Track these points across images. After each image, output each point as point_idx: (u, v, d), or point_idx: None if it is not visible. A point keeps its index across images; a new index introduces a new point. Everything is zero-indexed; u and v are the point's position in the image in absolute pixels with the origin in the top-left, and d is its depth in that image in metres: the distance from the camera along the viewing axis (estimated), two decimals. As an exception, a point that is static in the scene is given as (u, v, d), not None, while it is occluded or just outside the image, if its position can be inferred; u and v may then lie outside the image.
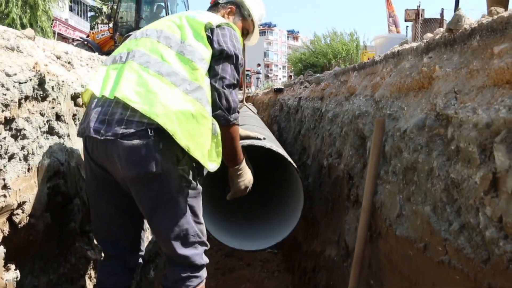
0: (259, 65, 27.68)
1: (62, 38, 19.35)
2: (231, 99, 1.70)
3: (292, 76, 24.25)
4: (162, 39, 1.67)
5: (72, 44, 11.58)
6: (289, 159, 2.49)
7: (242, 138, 2.37)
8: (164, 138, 1.48)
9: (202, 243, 1.70)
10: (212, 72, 1.69)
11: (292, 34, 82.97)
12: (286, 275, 3.79)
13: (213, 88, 1.67)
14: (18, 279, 1.58)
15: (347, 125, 2.26)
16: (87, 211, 2.17)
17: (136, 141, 1.47)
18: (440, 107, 1.31)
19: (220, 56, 1.69)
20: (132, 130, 1.47)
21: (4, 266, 1.51)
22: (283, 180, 3.33)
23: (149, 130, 1.47)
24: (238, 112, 1.78)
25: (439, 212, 1.23)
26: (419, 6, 11.77)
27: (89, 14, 31.74)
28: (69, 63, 2.18)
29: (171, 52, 1.63)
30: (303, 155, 3.54)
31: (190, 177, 1.61)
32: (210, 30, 1.71)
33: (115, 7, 10.08)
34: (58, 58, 2.13)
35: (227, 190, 2.07)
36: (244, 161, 1.95)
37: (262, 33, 74.40)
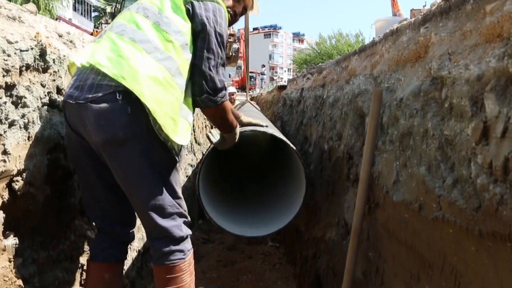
0: (263, 66, 27.70)
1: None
2: (217, 79, 1.69)
3: (297, 79, 24.24)
4: (141, 10, 1.68)
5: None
6: (291, 145, 2.51)
7: (244, 124, 2.39)
8: (132, 102, 1.48)
9: (180, 215, 1.68)
10: (197, 52, 1.66)
11: (298, 37, 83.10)
12: (287, 267, 3.79)
13: (199, 70, 1.65)
14: (17, 246, 1.60)
15: (347, 105, 2.27)
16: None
17: (103, 105, 1.47)
18: (434, 70, 1.32)
19: (202, 32, 1.66)
20: (100, 94, 1.47)
21: (3, 234, 1.53)
22: (286, 168, 3.34)
23: (117, 93, 1.47)
24: (226, 89, 1.76)
25: (433, 171, 1.23)
26: (425, 6, 11.78)
27: (93, 14, 32.03)
28: (71, 41, 2.20)
29: (147, 21, 1.63)
30: (305, 144, 3.55)
31: (164, 148, 1.59)
32: (190, 4, 1.68)
33: (118, 6, 10.16)
34: (60, 36, 2.15)
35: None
36: (237, 126, 1.97)
37: (268, 35, 74.55)
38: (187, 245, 1.71)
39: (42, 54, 1.71)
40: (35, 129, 1.66)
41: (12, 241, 1.55)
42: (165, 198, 1.61)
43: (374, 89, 1.69)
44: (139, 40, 1.57)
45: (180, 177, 1.72)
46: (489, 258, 0.96)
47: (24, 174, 1.58)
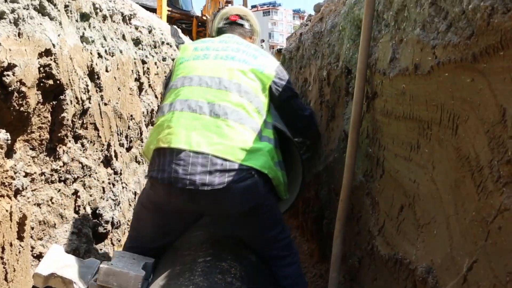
0: (263, 40, 27.36)
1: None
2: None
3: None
4: (244, 94, 1.81)
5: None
6: (287, 133, 2.29)
7: None
8: (261, 174, 1.73)
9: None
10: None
11: (298, 14, 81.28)
12: (289, 221, 3.77)
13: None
14: (9, 142, 1.58)
15: (344, 19, 2.22)
16: (81, 109, 2.17)
17: (247, 182, 1.66)
18: None
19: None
20: (240, 176, 1.64)
21: (-5, 130, 1.52)
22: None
23: (252, 171, 1.68)
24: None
25: (428, 27, 1.20)
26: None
27: None
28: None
29: (246, 102, 1.80)
30: (304, 87, 3.51)
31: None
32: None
33: None
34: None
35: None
36: None
37: (267, 13, 73.42)
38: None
39: (29, -48, 1.68)
40: (25, 27, 1.64)
41: (3, 135, 1.52)
42: (286, 228, 1.93)
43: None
44: (239, 120, 1.75)
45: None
46: (483, 81, 0.93)
47: (15, 69, 1.56)
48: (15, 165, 1.72)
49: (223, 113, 1.72)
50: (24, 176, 1.80)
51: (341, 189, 1.74)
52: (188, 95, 1.77)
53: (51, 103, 1.94)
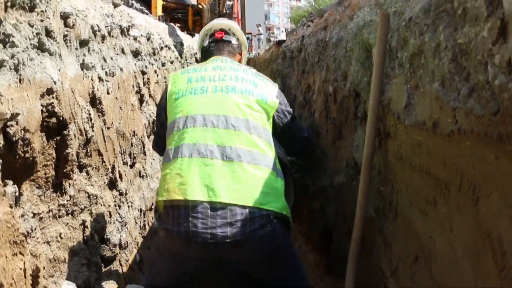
0: (259, 25, 26.88)
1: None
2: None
3: (296, 39, 23.44)
4: (253, 130, 1.76)
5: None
6: (284, 159, 2.23)
7: None
8: (279, 215, 1.73)
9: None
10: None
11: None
12: (293, 225, 3.77)
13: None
14: (16, 195, 1.56)
15: (352, 39, 2.17)
16: (85, 139, 2.13)
17: (266, 229, 1.64)
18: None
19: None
20: (260, 223, 1.62)
21: (2, 180, 1.49)
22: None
23: (271, 216, 1.66)
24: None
25: (447, 84, 1.16)
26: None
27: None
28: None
29: (256, 139, 1.77)
30: (307, 93, 3.46)
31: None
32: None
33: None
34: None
35: None
36: None
37: (262, -7, 71.95)
38: None
39: (27, -9, 1.61)
40: (26, 71, 1.59)
41: (11, 188, 1.51)
42: (302, 267, 1.93)
43: (381, 11, 1.59)
44: (256, 162, 1.73)
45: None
46: (509, 164, 0.90)
47: (18, 118, 1.52)
48: (23, 207, 1.70)
49: (236, 155, 1.67)
50: (32, 217, 1.78)
51: (349, 212, 1.73)
52: (195, 139, 1.71)
53: (55, 139, 1.90)
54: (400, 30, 1.50)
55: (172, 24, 5.55)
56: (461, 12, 1.12)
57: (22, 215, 1.66)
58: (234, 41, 2.13)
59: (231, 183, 1.60)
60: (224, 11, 8.31)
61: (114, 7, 2.89)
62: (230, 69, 1.91)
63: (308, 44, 3.59)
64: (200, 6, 9.12)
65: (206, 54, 2.11)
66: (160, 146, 2.00)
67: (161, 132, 1.96)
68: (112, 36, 2.69)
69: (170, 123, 1.82)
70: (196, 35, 10.69)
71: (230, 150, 1.68)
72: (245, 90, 1.82)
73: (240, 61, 2.16)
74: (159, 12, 8.11)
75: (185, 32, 9.49)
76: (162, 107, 1.94)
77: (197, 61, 6.73)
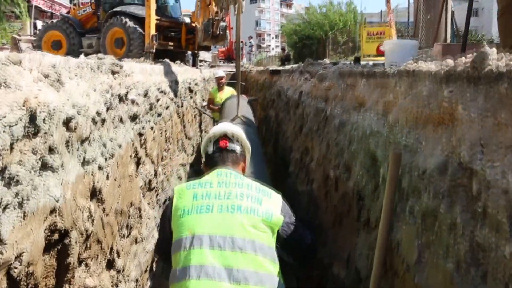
0: (250, 37, 26.90)
1: (40, 11, 18.40)
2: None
3: (286, 49, 23.56)
4: (259, 250, 1.77)
5: (52, 21, 10.99)
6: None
7: None
8: None
9: None
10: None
11: (285, 2, 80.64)
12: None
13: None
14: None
15: (357, 142, 2.17)
16: (85, 237, 2.09)
17: None
18: (465, 159, 1.22)
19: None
20: None
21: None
22: None
23: None
24: None
25: (463, 273, 1.16)
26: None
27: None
28: (58, 80, 2.03)
29: (262, 259, 1.77)
30: (305, 156, 3.46)
31: None
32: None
33: None
34: (46, 77, 1.99)
35: None
36: None
37: (254, 0, 72.15)
38: None
39: (32, 119, 1.57)
40: (30, 204, 1.54)
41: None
42: None
43: (393, 152, 1.59)
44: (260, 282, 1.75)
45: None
46: None
47: (22, 257, 1.48)
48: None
49: (242, 277, 1.68)
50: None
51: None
52: (202, 260, 1.71)
53: (56, 248, 1.86)
54: (413, 177, 1.51)
55: (167, 61, 5.49)
56: (480, 207, 1.12)
57: None
58: (238, 149, 2.12)
59: None
60: (218, 32, 8.25)
61: (113, 74, 2.85)
62: (235, 185, 1.91)
63: (307, 105, 3.59)
64: (193, 25, 9.05)
65: (210, 162, 2.10)
66: (163, 250, 1.98)
67: (164, 239, 1.94)
68: (111, 109, 2.65)
69: (175, 241, 1.81)
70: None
71: (237, 273, 1.69)
72: (251, 209, 1.82)
73: (243, 169, 2.15)
74: (153, 31, 8.02)
75: (179, 49, 9.41)
76: (167, 218, 1.92)
77: (190, 90, 6.67)
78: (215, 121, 7.60)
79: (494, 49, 1.38)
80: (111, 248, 2.49)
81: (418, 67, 1.84)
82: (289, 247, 2.02)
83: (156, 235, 3.68)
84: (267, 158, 5.25)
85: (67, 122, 1.92)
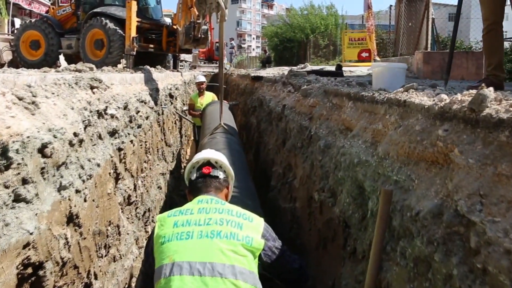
0: (232, 39, 26.78)
1: (18, 8, 17.79)
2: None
3: (267, 51, 23.50)
4: (239, 275, 1.72)
5: (30, 20, 10.61)
6: None
7: None
8: None
9: None
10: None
11: (267, 2, 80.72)
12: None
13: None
14: None
15: (344, 170, 2.13)
16: (61, 265, 1.99)
17: None
18: (462, 208, 1.18)
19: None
20: None
21: None
22: None
23: None
24: None
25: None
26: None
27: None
28: (33, 103, 1.92)
29: (242, 284, 1.71)
30: (288, 172, 3.41)
31: None
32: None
33: None
34: (21, 99, 1.87)
35: None
36: None
37: (235, 1, 71.91)
38: None
39: (5, 152, 1.46)
40: (1, 242, 1.44)
41: None
42: None
43: (384, 189, 1.55)
44: None
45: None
46: None
47: (-9, 301, 1.38)
48: None
49: None
50: None
51: None
52: (182, 287, 1.65)
53: (29, 281, 1.75)
54: (404, 217, 1.47)
55: (147, 68, 5.34)
56: (480, 267, 1.09)
57: None
58: (221, 175, 2.06)
59: None
60: (199, 35, 8.14)
61: (92, 89, 2.73)
62: (215, 211, 1.86)
63: (290, 120, 3.54)
64: (174, 27, 8.88)
65: (193, 188, 2.04)
66: (149, 285, 1.91)
67: (148, 275, 1.87)
68: (90, 125, 2.54)
69: (157, 268, 1.75)
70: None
71: None
72: (230, 234, 1.78)
73: (226, 196, 2.10)
74: (133, 33, 7.82)
75: (159, 51, 9.24)
76: (150, 249, 1.85)
77: (171, 96, 6.54)
78: (195, 126, 7.49)
79: (492, 91, 1.36)
80: (88, 271, 2.38)
81: (410, 97, 1.81)
82: (275, 271, 1.97)
83: (135, 250, 3.57)
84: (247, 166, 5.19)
85: (42, 149, 1.81)
